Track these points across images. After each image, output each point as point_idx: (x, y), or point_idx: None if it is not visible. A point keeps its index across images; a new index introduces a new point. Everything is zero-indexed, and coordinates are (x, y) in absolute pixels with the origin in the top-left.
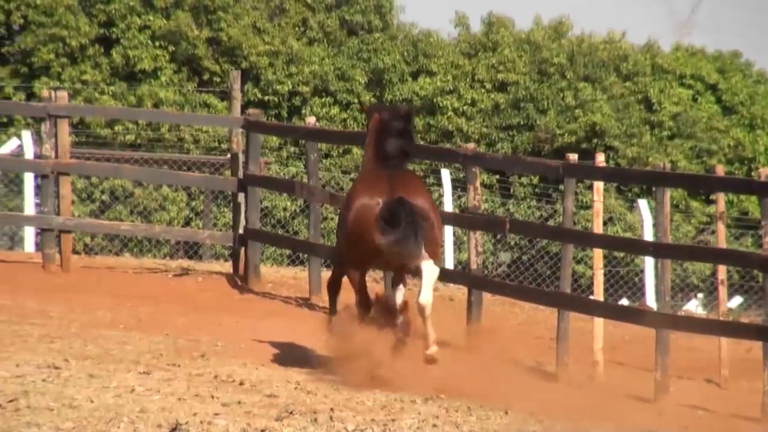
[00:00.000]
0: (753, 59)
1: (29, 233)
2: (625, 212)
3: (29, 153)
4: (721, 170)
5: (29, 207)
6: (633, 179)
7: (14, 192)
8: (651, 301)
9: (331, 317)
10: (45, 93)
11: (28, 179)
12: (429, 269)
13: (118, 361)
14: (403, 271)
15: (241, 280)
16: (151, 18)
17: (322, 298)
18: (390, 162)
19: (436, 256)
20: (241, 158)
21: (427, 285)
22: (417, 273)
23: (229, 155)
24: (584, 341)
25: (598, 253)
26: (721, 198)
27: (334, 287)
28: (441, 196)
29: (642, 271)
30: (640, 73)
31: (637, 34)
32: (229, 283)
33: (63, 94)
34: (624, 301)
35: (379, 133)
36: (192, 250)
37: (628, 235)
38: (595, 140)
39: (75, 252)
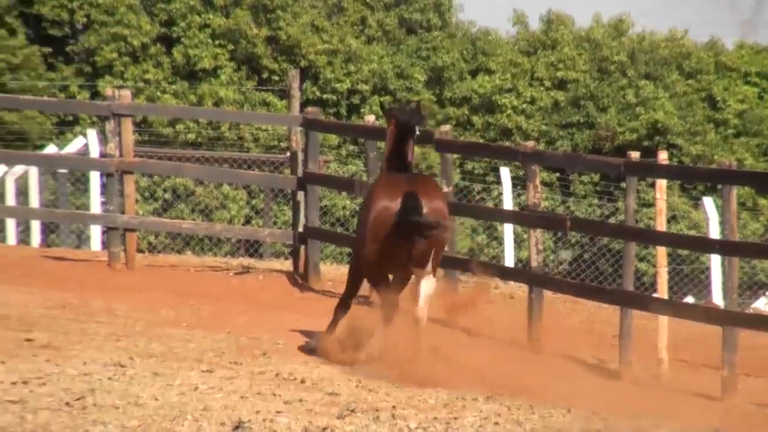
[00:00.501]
0: None
1: (95, 232)
2: (689, 210)
3: (95, 152)
4: None
5: (95, 205)
6: (697, 177)
7: (81, 190)
8: (718, 298)
9: (329, 336)
10: (109, 92)
11: (94, 178)
12: (428, 282)
13: (182, 359)
14: (409, 275)
15: (301, 278)
16: (211, 16)
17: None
18: (407, 165)
19: (436, 268)
20: (301, 156)
21: (423, 297)
22: (417, 284)
23: (288, 153)
24: (648, 339)
25: (661, 251)
26: None
27: (344, 306)
28: (500, 194)
29: (708, 268)
30: (704, 71)
31: (699, 32)
32: (289, 281)
33: (126, 93)
34: (689, 299)
35: (397, 136)
36: (252, 249)
37: (693, 232)
38: (657, 138)
39: (139, 250)
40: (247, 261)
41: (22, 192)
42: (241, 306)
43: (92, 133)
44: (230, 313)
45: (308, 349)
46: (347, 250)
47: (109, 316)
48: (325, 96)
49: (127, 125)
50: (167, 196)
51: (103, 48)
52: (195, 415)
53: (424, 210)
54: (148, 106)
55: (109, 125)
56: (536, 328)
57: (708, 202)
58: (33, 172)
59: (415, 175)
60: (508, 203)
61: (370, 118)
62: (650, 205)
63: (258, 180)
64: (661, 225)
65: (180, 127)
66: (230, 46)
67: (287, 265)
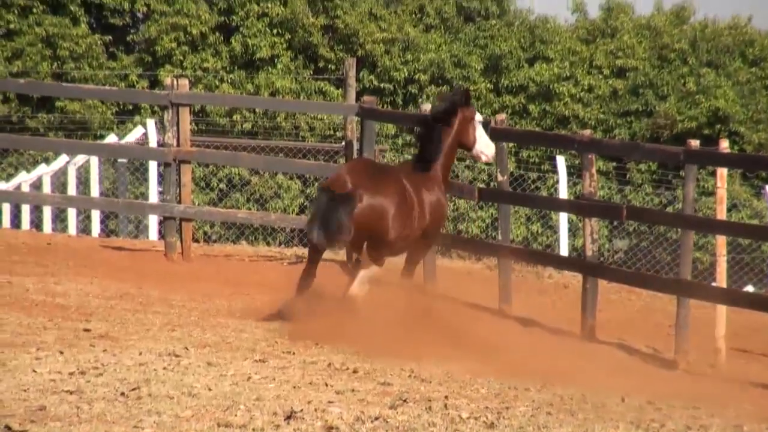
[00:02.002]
0: None
1: (153, 221)
2: (751, 198)
3: (153, 141)
4: None
5: (153, 195)
6: (759, 165)
7: (140, 180)
8: None
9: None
10: (167, 81)
11: (153, 167)
12: (365, 269)
13: (235, 349)
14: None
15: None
16: (270, 5)
17: (436, 285)
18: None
19: (376, 258)
20: (356, 146)
21: (356, 281)
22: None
23: (343, 143)
24: (705, 329)
25: (721, 240)
26: None
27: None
28: (556, 183)
29: None
30: (767, 58)
31: (764, 19)
32: (343, 270)
33: (184, 82)
34: (749, 288)
35: (420, 129)
36: (307, 238)
37: (755, 221)
38: (717, 126)
39: (195, 240)
40: (301, 251)
41: (83, 182)
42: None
43: (151, 123)
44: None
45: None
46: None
47: (164, 306)
48: (382, 85)
49: (185, 115)
50: (222, 185)
51: (162, 37)
52: (248, 404)
53: (356, 208)
54: (205, 96)
55: (167, 115)
56: (590, 318)
57: None
58: (94, 161)
59: (419, 172)
60: (563, 192)
61: (426, 107)
62: (710, 193)
63: (313, 169)
64: (722, 213)
65: (237, 116)
66: (287, 35)
67: (341, 255)
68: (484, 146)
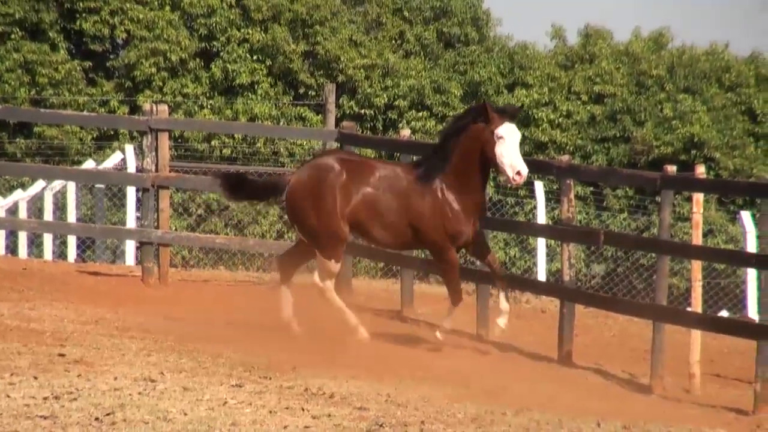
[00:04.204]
0: None
1: (130, 247)
2: (726, 224)
3: (131, 167)
4: None
5: (131, 220)
6: (735, 191)
7: (117, 206)
8: (752, 312)
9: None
10: (147, 107)
11: (131, 193)
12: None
13: (212, 374)
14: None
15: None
16: (250, 31)
17: (414, 311)
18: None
19: (316, 249)
20: None
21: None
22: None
23: None
24: (680, 354)
25: (696, 265)
26: None
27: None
28: (534, 208)
29: (743, 282)
30: (744, 84)
31: (741, 46)
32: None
33: (163, 108)
34: (724, 313)
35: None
36: (274, 265)
37: (730, 247)
38: (693, 152)
39: (172, 265)
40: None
41: (60, 207)
42: (272, 320)
43: (130, 149)
44: (261, 328)
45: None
46: (381, 264)
47: (140, 332)
48: (362, 110)
49: (164, 140)
50: (201, 211)
51: (142, 63)
52: (223, 430)
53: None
54: (184, 121)
55: (146, 140)
56: (567, 342)
57: (745, 215)
58: (71, 187)
59: (416, 183)
60: (541, 217)
61: (405, 133)
62: (686, 219)
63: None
64: (698, 239)
65: (215, 142)
66: (268, 62)
67: None
68: (508, 165)
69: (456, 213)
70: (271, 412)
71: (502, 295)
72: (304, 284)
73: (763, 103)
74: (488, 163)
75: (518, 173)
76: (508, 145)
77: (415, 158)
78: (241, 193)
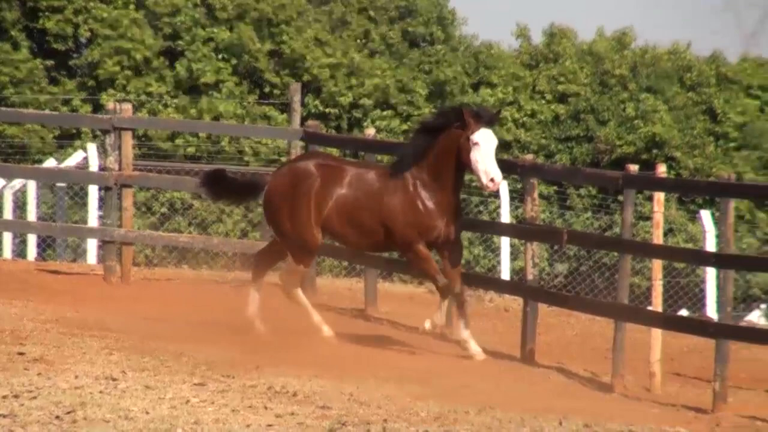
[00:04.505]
0: None
1: (92, 245)
2: (686, 223)
3: (94, 165)
4: None
5: (93, 219)
6: (695, 190)
7: (79, 204)
8: (711, 311)
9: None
10: (110, 105)
11: (93, 191)
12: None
13: (174, 372)
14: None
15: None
16: (215, 30)
17: (378, 310)
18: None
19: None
20: None
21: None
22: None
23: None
24: (641, 353)
25: (657, 264)
26: None
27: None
28: (498, 207)
29: (703, 281)
30: (705, 83)
31: (702, 46)
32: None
33: (127, 107)
34: (684, 312)
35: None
36: (249, 262)
37: (690, 245)
38: (655, 151)
39: (135, 264)
40: (243, 274)
41: (20, 206)
42: (236, 319)
43: (92, 147)
44: (225, 327)
45: None
46: (345, 264)
47: (102, 330)
48: (327, 110)
49: (127, 139)
50: (164, 209)
51: (105, 61)
52: (185, 428)
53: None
54: (148, 120)
55: (110, 139)
56: (530, 341)
57: (705, 215)
58: (31, 185)
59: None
60: (505, 216)
61: (370, 132)
62: (647, 218)
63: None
64: (658, 238)
65: (179, 140)
66: (233, 61)
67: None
68: (482, 171)
69: (428, 208)
70: (234, 410)
71: (461, 324)
72: (268, 283)
73: (723, 103)
74: (463, 167)
75: (492, 180)
76: (483, 152)
77: (379, 157)
78: (219, 191)
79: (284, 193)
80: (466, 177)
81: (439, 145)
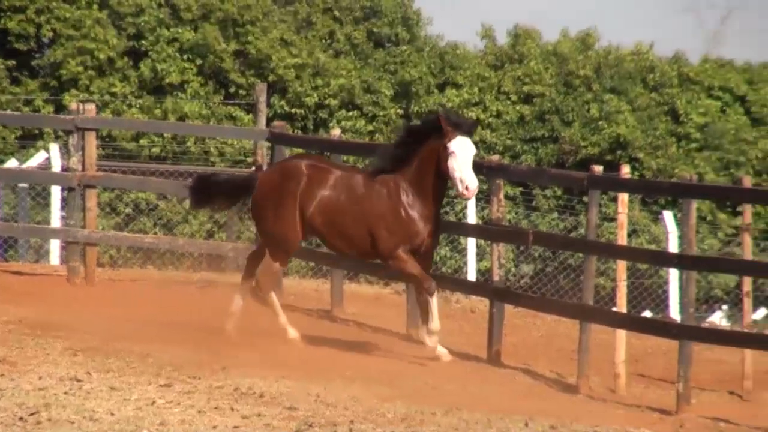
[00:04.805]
0: None
1: (55, 246)
2: (649, 224)
3: (57, 166)
4: (748, 181)
5: (55, 220)
6: (658, 191)
7: (41, 205)
8: (674, 313)
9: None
10: (73, 106)
11: (55, 192)
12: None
13: (140, 373)
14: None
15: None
16: (180, 31)
17: (344, 311)
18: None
19: (268, 250)
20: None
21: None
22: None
23: (254, 168)
24: (606, 354)
25: (621, 265)
26: (748, 209)
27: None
28: (464, 208)
29: (666, 282)
30: (667, 84)
31: (665, 47)
32: (251, 295)
33: (91, 107)
34: (647, 313)
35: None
36: (215, 263)
37: (653, 247)
38: (619, 152)
39: (100, 264)
40: (209, 275)
41: None
42: (202, 320)
43: (55, 148)
44: (190, 327)
45: None
46: (312, 264)
47: (66, 331)
48: (293, 110)
49: (91, 139)
50: (129, 210)
51: (68, 62)
52: (151, 429)
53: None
54: (112, 120)
55: (73, 139)
56: (496, 343)
57: (668, 216)
58: None
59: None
60: (471, 217)
61: (336, 132)
62: (612, 219)
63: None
64: (623, 239)
65: (144, 141)
66: (198, 61)
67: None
68: (458, 179)
69: (410, 215)
70: (200, 411)
71: (424, 334)
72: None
73: (685, 104)
74: (444, 176)
75: (467, 188)
76: (459, 160)
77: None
78: (210, 197)
79: (272, 189)
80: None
81: (422, 153)
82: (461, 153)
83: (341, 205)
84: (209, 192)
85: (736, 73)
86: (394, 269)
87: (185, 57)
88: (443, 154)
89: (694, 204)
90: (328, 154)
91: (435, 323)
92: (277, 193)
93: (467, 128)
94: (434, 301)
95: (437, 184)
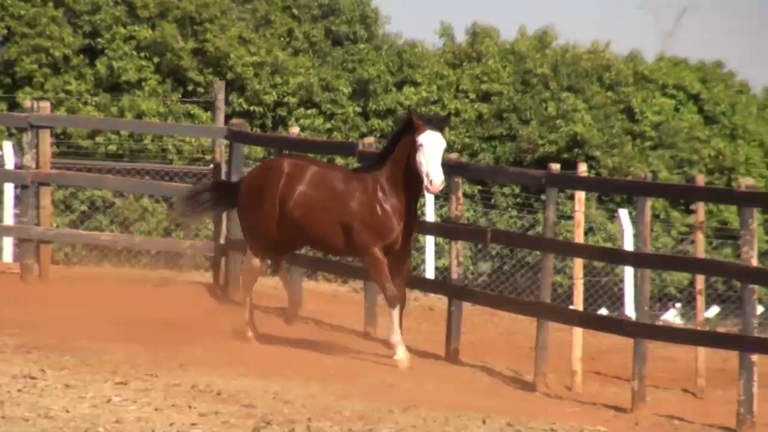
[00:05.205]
0: (735, 69)
1: (8, 243)
2: (605, 222)
3: (9, 163)
4: (701, 180)
5: (8, 217)
6: (614, 189)
7: None
8: (630, 310)
9: None
10: (27, 103)
11: (8, 190)
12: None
13: (96, 371)
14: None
15: (221, 291)
16: (137, 28)
17: (302, 308)
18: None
19: (247, 244)
20: (225, 169)
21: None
22: None
23: (212, 165)
24: (563, 352)
25: (578, 263)
26: (701, 208)
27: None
28: (422, 206)
29: (622, 281)
30: (623, 83)
31: (621, 45)
32: (209, 293)
33: (45, 105)
34: (603, 311)
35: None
36: (172, 261)
37: (609, 244)
38: (576, 150)
39: (55, 262)
40: (166, 273)
41: None
42: (159, 317)
43: (8, 145)
44: (148, 325)
45: None
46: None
47: (19, 329)
48: (252, 108)
49: (45, 137)
50: (84, 207)
51: (23, 59)
52: (107, 427)
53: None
54: (67, 118)
55: (27, 137)
56: (454, 340)
57: (623, 214)
58: None
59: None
60: (430, 215)
61: (295, 130)
62: (569, 217)
63: (179, 191)
64: (579, 237)
65: (100, 138)
66: (155, 59)
67: (207, 276)
68: (424, 173)
69: (385, 210)
70: (157, 409)
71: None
72: (193, 281)
73: (640, 102)
74: (415, 171)
75: (431, 182)
76: (427, 153)
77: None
78: (204, 206)
79: (255, 186)
80: None
81: (396, 149)
82: (430, 147)
83: (319, 199)
84: (200, 203)
85: (690, 72)
86: (366, 267)
87: (142, 55)
88: (413, 148)
89: (649, 202)
90: (287, 152)
91: (395, 336)
92: (259, 189)
93: (437, 123)
94: (395, 314)
95: (411, 180)
